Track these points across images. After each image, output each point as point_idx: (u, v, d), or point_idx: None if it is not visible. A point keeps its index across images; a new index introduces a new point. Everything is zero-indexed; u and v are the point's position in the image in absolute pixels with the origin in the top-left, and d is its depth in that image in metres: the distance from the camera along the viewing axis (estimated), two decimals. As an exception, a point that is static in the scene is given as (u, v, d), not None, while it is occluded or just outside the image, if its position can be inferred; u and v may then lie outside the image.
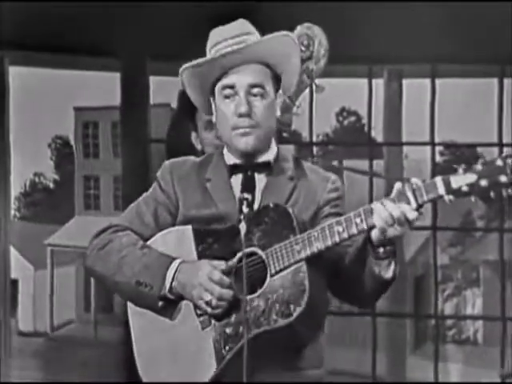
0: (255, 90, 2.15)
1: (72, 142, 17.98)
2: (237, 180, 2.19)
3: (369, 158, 5.10)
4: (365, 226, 2.01)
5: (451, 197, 1.94)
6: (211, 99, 2.22)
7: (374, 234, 2.01)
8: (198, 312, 2.11)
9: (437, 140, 5.14)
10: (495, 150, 5.04)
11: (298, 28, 2.59)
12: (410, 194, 1.97)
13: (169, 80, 4.87)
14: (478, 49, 4.61)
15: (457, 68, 5.06)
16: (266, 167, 2.20)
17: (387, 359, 5.83)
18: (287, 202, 2.16)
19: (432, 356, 5.15)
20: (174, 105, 4.71)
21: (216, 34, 2.21)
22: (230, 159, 2.21)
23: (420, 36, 4.61)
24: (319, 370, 2.17)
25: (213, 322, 2.10)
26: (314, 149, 5.33)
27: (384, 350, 5.71)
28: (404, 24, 4.61)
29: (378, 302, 2.29)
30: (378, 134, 6.02)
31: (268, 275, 2.06)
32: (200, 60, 2.17)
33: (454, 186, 1.94)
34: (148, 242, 2.20)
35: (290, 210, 2.09)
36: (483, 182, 1.92)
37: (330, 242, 2.03)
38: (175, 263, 2.12)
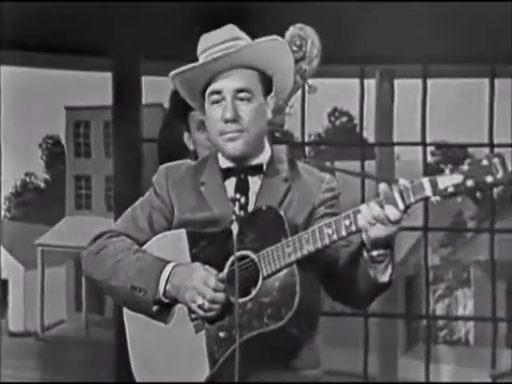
0: (242, 95, 2.15)
1: (63, 142, 17.95)
2: (231, 183, 2.20)
3: (361, 158, 5.10)
4: (353, 228, 2.01)
5: (438, 198, 1.94)
6: (204, 103, 2.23)
7: (363, 235, 2.01)
8: (192, 316, 2.12)
9: (428, 140, 5.15)
10: (486, 150, 5.05)
11: (291, 29, 2.59)
12: (397, 196, 1.97)
13: (161, 80, 4.86)
14: (468, 49, 4.62)
15: (448, 68, 5.06)
16: (258, 170, 2.20)
17: (379, 359, 5.85)
18: (281, 204, 2.16)
19: (423, 356, 5.15)
20: (167, 105, 4.71)
21: (205, 40, 2.21)
22: (224, 163, 2.22)
23: (412, 36, 4.62)
24: (316, 370, 2.17)
25: (206, 325, 2.10)
26: (306, 149, 5.33)
27: (376, 351, 5.72)
28: (396, 24, 4.61)
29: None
30: (369, 135, 6.03)
31: (260, 278, 2.07)
32: (186, 67, 2.18)
33: (441, 186, 1.94)
34: (143, 247, 2.21)
35: (282, 213, 2.09)
36: (469, 183, 1.91)
37: (319, 245, 2.03)
38: (169, 267, 2.13)
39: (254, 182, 2.20)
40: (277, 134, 2.44)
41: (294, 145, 5.39)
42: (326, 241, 2.03)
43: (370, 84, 5.62)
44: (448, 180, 1.93)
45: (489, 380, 5.51)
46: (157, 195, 2.25)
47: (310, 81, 2.64)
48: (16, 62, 5.06)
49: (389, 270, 2.05)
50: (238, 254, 2.07)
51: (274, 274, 2.05)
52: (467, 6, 4.51)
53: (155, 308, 2.13)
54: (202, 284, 2.06)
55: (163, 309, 2.14)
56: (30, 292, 16.74)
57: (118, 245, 2.19)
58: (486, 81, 5.02)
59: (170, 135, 3.66)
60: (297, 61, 2.57)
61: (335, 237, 2.02)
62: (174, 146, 3.24)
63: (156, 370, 2.16)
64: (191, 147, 3.06)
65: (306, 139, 5.26)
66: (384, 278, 2.05)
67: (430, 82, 5.02)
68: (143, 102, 4.85)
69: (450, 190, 1.93)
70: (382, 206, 1.97)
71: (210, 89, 2.18)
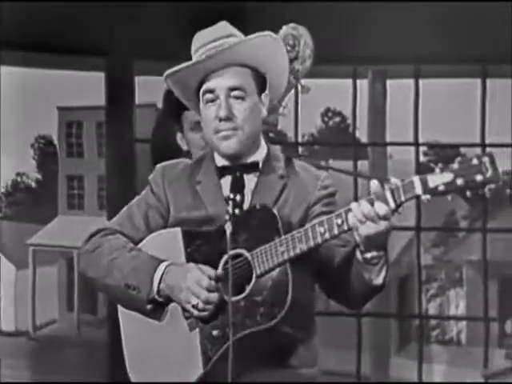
0: (235, 93, 2.14)
1: (55, 142, 17.93)
2: (227, 182, 2.20)
3: (354, 158, 5.11)
4: (345, 227, 2.01)
5: (428, 196, 1.95)
6: (198, 102, 2.22)
7: (355, 234, 2.00)
8: (186, 314, 2.12)
9: (421, 140, 5.16)
10: (478, 150, 5.07)
11: (284, 28, 2.58)
12: (388, 194, 1.97)
13: (154, 80, 4.85)
14: (460, 49, 4.63)
15: (440, 68, 5.07)
16: (254, 167, 2.20)
17: (372, 359, 5.86)
18: (277, 201, 2.16)
19: (416, 356, 5.16)
20: (160, 105, 4.70)
21: (198, 38, 2.21)
22: (220, 161, 2.22)
23: (404, 37, 4.62)
24: (312, 368, 2.17)
25: (200, 324, 2.10)
26: (300, 149, 5.34)
27: (368, 350, 5.73)
28: (388, 25, 4.62)
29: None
30: (362, 135, 6.04)
31: (254, 276, 2.07)
32: (180, 66, 2.17)
33: (431, 185, 1.94)
34: (139, 245, 2.20)
35: (276, 212, 2.08)
36: (459, 181, 1.92)
37: (312, 244, 2.03)
38: (163, 265, 2.13)
39: (250, 180, 2.19)
40: (270, 134, 2.43)
41: (288, 145, 5.39)
42: (319, 239, 2.03)
43: (363, 84, 5.63)
44: (438, 178, 1.94)
45: (481, 379, 5.52)
46: (153, 194, 2.24)
47: (302, 81, 2.64)
48: (8, 61, 5.04)
49: (383, 273, 2.05)
50: (232, 252, 2.07)
51: (267, 272, 2.06)
52: (459, 7, 4.52)
53: (149, 306, 2.13)
54: (196, 284, 2.06)
55: (157, 307, 2.14)
56: (21, 292, 16.72)
57: (113, 243, 2.19)
58: (478, 81, 5.03)
59: (164, 135, 3.65)
60: (290, 61, 2.56)
61: (327, 235, 2.02)
62: (168, 146, 3.23)
63: (150, 368, 2.17)
64: (185, 147, 3.05)
65: (300, 139, 5.26)
66: (378, 280, 2.05)
67: (422, 82, 5.03)
68: (136, 102, 4.84)
69: (441, 188, 1.93)
70: (372, 204, 1.97)
71: (203, 88, 2.17)
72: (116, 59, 4.72)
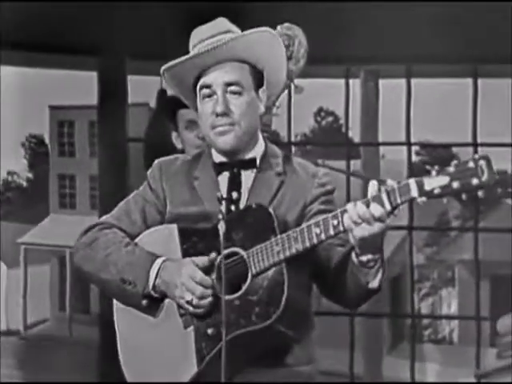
0: (232, 88, 2.13)
1: (47, 141, 17.90)
2: (224, 178, 2.19)
3: (346, 157, 5.11)
4: (341, 228, 2.00)
5: (424, 199, 1.94)
6: (195, 98, 2.21)
7: (350, 236, 1.99)
8: (181, 311, 2.11)
9: (413, 140, 5.16)
10: (470, 149, 5.08)
11: (278, 28, 2.57)
12: (384, 197, 1.96)
13: (147, 79, 4.85)
14: (452, 49, 4.64)
15: (432, 68, 5.08)
16: (252, 164, 2.19)
17: (364, 359, 5.86)
18: (274, 198, 2.15)
19: (408, 355, 5.16)
20: (153, 104, 4.70)
21: (196, 34, 2.20)
22: (217, 157, 2.20)
23: (396, 37, 4.63)
24: (308, 366, 2.15)
25: (195, 321, 2.10)
26: (293, 149, 5.33)
27: (361, 350, 5.73)
28: (381, 25, 4.62)
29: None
30: (355, 134, 6.05)
31: (249, 275, 2.06)
32: (176, 61, 2.17)
33: (427, 188, 1.92)
34: (135, 240, 2.19)
35: (272, 211, 2.07)
36: (455, 184, 1.91)
37: (308, 244, 2.02)
38: (159, 261, 2.12)
39: (248, 177, 2.18)
40: (264, 134, 2.42)
41: (281, 145, 5.38)
42: (314, 240, 2.02)
43: (355, 84, 5.63)
44: (434, 181, 1.93)
45: (473, 379, 5.53)
46: (151, 189, 2.23)
47: (296, 81, 2.64)
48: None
49: (379, 276, 2.04)
50: (228, 250, 2.07)
51: (262, 272, 2.05)
52: (451, 7, 4.52)
53: (144, 302, 2.12)
54: (190, 280, 2.05)
55: (153, 303, 2.13)
56: (12, 290, 16.69)
57: (109, 237, 2.18)
58: (470, 81, 5.04)
59: (157, 134, 3.65)
60: (284, 60, 2.55)
61: (323, 236, 2.01)
62: (162, 145, 3.23)
63: (144, 364, 2.16)
64: (179, 146, 3.05)
65: (293, 139, 5.26)
66: (374, 284, 2.04)
67: (413, 81, 5.04)
68: (129, 101, 4.83)
69: (437, 191, 1.93)
70: (368, 206, 1.96)
71: (200, 83, 2.16)
72: (108, 58, 4.71)
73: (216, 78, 2.14)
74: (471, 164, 1.90)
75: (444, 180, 1.92)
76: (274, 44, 2.17)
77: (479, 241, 5.15)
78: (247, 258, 2.06)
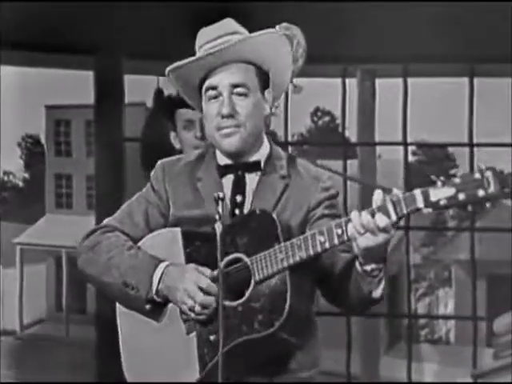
0: (238, 90, 2.12)
1: (43, 141, 17.88)
2: (228, 181, 2.17)
3: (343, 157, 5.12)
4: (345, 237, 1.98)
5: (430, 209, 1.93)
6: (200, 98, 2.19)
7: (353, 245, 1.98)
8: (184, 317, 2.10)
9: (409, 139, 5.16)
10: (466, 149, 5.08)
11: (277, 28, 2.57)
12: (390, 207, 1.94)
13: (144, 79, 4.84)
14: (448, 48, 4.64)
15: (429, 68, 5.08)
16: (256, 167, 2.18)
17: (361, 359, 5.85)
18: (278, 202, 2.14)
19: (405, 355, 5.16)
20: (149, 103, 4.69)
21: (203, 35, 2.19)
22: (222, 159, 2.19)
23: (393, 36, 4.63)
24: (309, 371, 2.15)
25: (197, 327, 2.08)
26: (290, 149, 5.33)
27: (358, 350, 5.72)
28: (377, 24, 4.62)
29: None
30: (351, 134, 6.04)
31: (252, 282, 2.04)
32: (182, 62, 2.15)
33: (433, 199, 1.91)
34: (138, 243, 2.18)
35: (275, 218, 2.05)
36: (461, 196, 1.90)
37: (312, 252, 2.01)
38: (162, 265, 2.11)
39: (252, 179, 2.17)
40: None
41: (278, 144, 5.38)
42: (318, 248, 2.00)
43: (352, 83, 5.63)
44: (440, 192, 1.91)
45: (469, 379, 5.53)
46: (154, 191, 2.22)
47: (295, 80, 2.64)
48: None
49: (381, 285, 2.03)
50: (231, 256, 2.06)
51: (266, 279, 2.03)
52: (447, 7, 4.53)
53: (148, 306, 2.11)
54: (193, 286, 2.04)
55: (156, 307, 2.12)
56: (8, 290, 16.66)
57: (111, 240, 2.17)
58: (466, 80, 5.04)
59: (155, 134, 3.65)
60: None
61: (327, 245, 2.00)
62: (158, 144, 3.23)
63: (146, 369, 2.15)
64: (178, 146, 3.05)
65: (289, 139, 5.26)
66: (376, 293, 2.04)
67: (410, 81, 5.04)
68: (125, 100, 4.83)
69: (442, 202, 1.92)
70: (373, 215, 1.94)
71: (206, 84, 2.15)
72: (105, 58, 4.70)
73: (222, 79, 2.13)
74: (477, 175, 1.89)
75: (450, 191, 1.90)
76: (280, 45, 2.17)
77: (476, 240, 5.15)
78: (251, 265, 2.05)
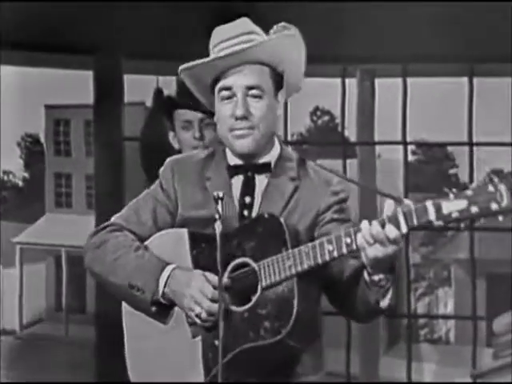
0: (253, 92, 2.11)
1: (42, 141, 17.88)
2: (237, 181, 2.16)
3: (342, 157, 5.12)
4: (354, 247, 1.96)
5: (441, 222, 1.89)
6: (212, 97, 2.18)
7: (362, 255, 1.96)
8: (189, 320, 2.09)
9: (409, 139, 5.17)
10: (466, 148, 5.08)
11: (275, 28, 2.57)
12: (401, 218, 1.91)
13: (143, 78, 4.84)
14: (447, 48, 4.64)
15: (428, 67, 5.08)
16: (266, 168, 2.16)
17: (361, 359, 5.85)
18: (287, 204, 2.12)
19: (405, 355, 5.16)
20: (149, 103, 4.69)
21: (218, 33, 2.16)
22: (232, 160, 2.18)
23: (392, 36, 4.63)
24: (316, 375, 2.14)
25: (202, 331, 2.07)
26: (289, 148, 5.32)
27: (357, 350, 5.72)
28: (377, 24, 4.62)
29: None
30: (351, 134, 6.04)
31: (259, 288, 2.02)
32: (197, 62, 2.13)
33: (445, 211, 1.88)
34: (145, 243, 2.17)
35: (283, 223, 2.03)
36: (474, 209, 1.86)
37: (320, 261, 1.99)
38: (168, 268, 2.09)
39: (261, 181, 2.16)
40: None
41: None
42: (326, 257, 1.98)
43: (351, 83, 5.63)
44: (452, 205, 1.88)
45: (469, 378, 5.53)
46: (162, 189, 2.20)
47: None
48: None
49: (388, 295, 2.01)
50: (239, 260, 2.04)
51: (273, 285, 2.01)
52: (447, 7, 4.53)
53: (153, 308, 2.10)
54: (199, 293, 2.02)
55: (162, 309, 2.11)
56: (8, 290, 16.66)
57: (119, 240, 2.15)
58: (465, 80, 5.04)
59: (154, 134, 3.64)
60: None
61: (336, 254, 1.98)
62: (158, 144, 3.22)
63: (151, 369, 2.14)
64: (176, 146, 3.04)
65: (289, 138, 5.26)
66: (384, 303, 2.01)
67: (409, 80, 5.04)
68: (125, 100, 4.83)
69: (454, 215, 1.88)
70: (383, 226, 1.92)
71: (220, 85, 2.13)
72: (105, 57, 4.70)
73: (237, 80, 2.11)
74: (491, 188, 1.86)
75: (462, 204, 1.87)
76: (297, 47, 2.15)
77: (475, 240, 5.15)
78: (258, 271, 2.03)
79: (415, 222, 1.91)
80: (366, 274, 1.99)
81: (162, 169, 2.24)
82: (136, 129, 4.74)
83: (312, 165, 2.20)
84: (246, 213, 2.12)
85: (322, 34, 4.32)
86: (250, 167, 2.15)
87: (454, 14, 4.55)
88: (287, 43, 2.13)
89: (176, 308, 2.10)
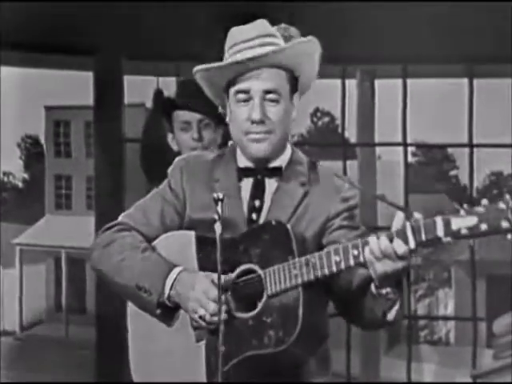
0: (270, 96, 2.09)
1: (42, 142, 17.87)
2: (246, 184, 2.14)
3: (343, 158, 5.12)
4: (362, 259, 1.93)
5: (449, 239, 1.87)
6: (226, 98, 2.16)
7: (370, 269, 1.94)
8: (194, 324, 2.08)
9: (409, 140, 5.17)
10: (466, 150, 5.08)
11: (275, 28, 2.56)
12: (409, 233, 1.89)
13: (143, 79, 4.84)
14: (447, 49, 4.64)
15: (428, 68, 5.09)
16: (277, 172, 2.14)
17: (361, 359, 5.86)
18: (296, 209, 2.10)
19: (405, 356, 5.17)
20: (149, 104, 4.69)
21: (235, 34, 2.14)
22: (242, 162, 2.15)
23: (393, 37, 4.63)
24: (322, 378, 2.12)
25: (206, 336, 2.06)
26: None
27: (358, 351, 5.73)
28: (377, 25, 4.63)
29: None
30: (351, 135, 6.04)
31: (265, 296, 2.01)
32: (214, 65, 2.11)
33: (454, 227, 1.86)
34: (153, 243, 2.16)
35: (291, 230, 2.01)
36: (483, 226, 1.84)
37: (327, 271, 1.97)
38: (175, 270, 2.08)
39: (271, 184, 2.14)
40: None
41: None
42: (334, 268, 1.96)
43: (352, 84, 5.63)
44: (462, 221, 1.85)
45: (469, 379, 5.53)
46: (171, 189, 2.19)
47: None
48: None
49: (396, 307, 1.99)
50: (245, 266, 2.03)
51: (278, 294, 1.99)
52: (447, 8, 4.53)
53: (159, 311, 2.09)
54: (204, 296, 2.01)
55: (167, 312, 2.10)
56: (7, 291, 16.66)
57: (126, 240, 2.14)
58: (465, 81, 5.05)
59: (154, 135, 3.64)
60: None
61: (343, 265, 1.96)
62: (158, 145, 3.22)
63: (154, 371, 2.13)
64: (175, 148, 3.04)
65: (289, 139, 5.26)
66: (391, 315, 2.00)
67: (409, 81, 5.04)
68: (125, 101, 4.83)
69: (463, 232, 1.86)
70: (391, 241, 1.89)
71: (236, 87, 2.11)
72: (105, 58, 4.71)
73: (255, 84, 2.09)
74: (501, 205, 1.84)
75: (472, 221, 1.85)
76: (315, 52, 2.15)
77: (475, 241, 5.14)
78: (264, 278, 2.01)
79: (423, 237, 1.88)
80: (373, 287, 1.97)
81: (171, 168, 2.22)
82: (136, 130, 4.74)
83: (323, 169, 2.17)
84: (254, 216, 2.11)
85: (322, 35, 4.32)
86: (260, 170, 2.13)
87: (454, 14, 4.55)
88: (308, 48, 2.13)
89: (181, 311, 2.09)
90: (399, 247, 1.89)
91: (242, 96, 2.10)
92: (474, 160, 5.04)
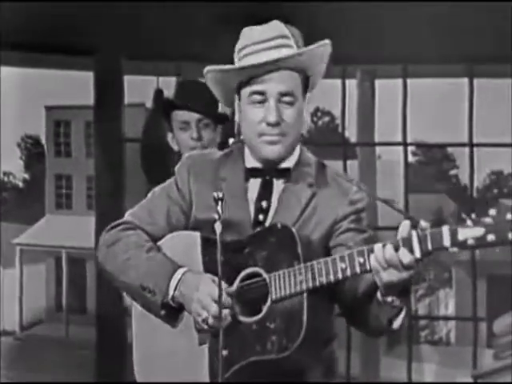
0: (286, 99, 2.08)
1: (43, 142, 17.87)
2: (254, 184, 2.13)
3: (343, 158, 5.12)
4: (367, 267, 1.91)
5: (455, 249, 1.85)
6: (236, 98, 2.14)
7: (376, 278, 1.91)
8: (197, 326, 2.06)
9: (409, 140, 5.17)
10: (466, 149, 5.08)
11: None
12: (415, 242, 1.87)
13: (143, 79, 4.84)
14: (448, 49, 4.64)
15: (428, 68, 5.09)
16: (285, 173, 2.12)
17: (361, 359, 5.86)
18: (304, 211, 2.08)
19: (405, 356, 5.17)
20: (149, 104, 4.69)
21: (248, 35, 2.13)
22: (250, 162, 2.14)
23: (393, 37, 4.63)
24: (327, 379, 2.11)
25: (209, 339, 2.05)
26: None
27: (358, 350, 5.73)
28: (377, 25, 4.63)
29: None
30: (351, 135, 6.05)
31: (269, 300, 1.99)
32: (229, 67, 2.10)
33: (461, 238, 1.84)
34: (158, 243, 2.15)
35: (296, 234, 1.99)
36: (490, 237, 1.82)
37: (332, 278, 1.94)
38: (180, 271, 2.07)
39: (279, 185, 2.12)
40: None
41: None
42: (339, 275, 1.94)
43: (352, 84, 5.63)
44: (469, 232, 1.84)
45: (470, 379, 5.53)
46: (177, 189, 2.17)
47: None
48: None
49: (402, 315, 1.98)
50: (250, 270, 2.02)
51: (283, 299, 1.98)
52: (447, 7, 4.53)
53: (163, 311, 2.08)
54: (207, 298, 2.00)
55: (172, 312, 2.09)
56: (7, 291, 16.66)
57: (131, 239, 2.13)
58: (466, 80, 5.05)
59: (154, 135, 3.64)
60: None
61: (348, 272, 1.94)
62: (158, 145, 3.22)
63: (157, 372, 2.13)
64: (175, 147, 3.04)
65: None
66: (396, 323, 1.98)
67: (409, 81, 5.04)
68: (125, 101, 4.83)
69: (470, 242, 1.84)
70: (397, 250, 1.88)
71: (251, 88, 2.09)
72: (105, 58, 4.71)
73: (270, 86, 2.08)
74: (509, 216, 1.82)
75: (479, 231, 1.83)
76: (327, 54, 2.14)
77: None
78: (269, 282, 2.00)
79: (429, 246, 1.87)
80: (379, 294, 1.95)
81: (177, 166, 2.21)
82: (136, 130, 4.74)
83: (331, 171, 2.16)
84: (261, 217, 2.09)
85: (322, 35, 4.32)
86: (269, 171, 2.12)
87: (454, 14, 4.55)
88: (325, 51, 2.12)
89: (186, 313, 2.08)
90: (405, 256, 1.87)
91: (257, 97, 2.09)
92: (474, 159, 5.04)
